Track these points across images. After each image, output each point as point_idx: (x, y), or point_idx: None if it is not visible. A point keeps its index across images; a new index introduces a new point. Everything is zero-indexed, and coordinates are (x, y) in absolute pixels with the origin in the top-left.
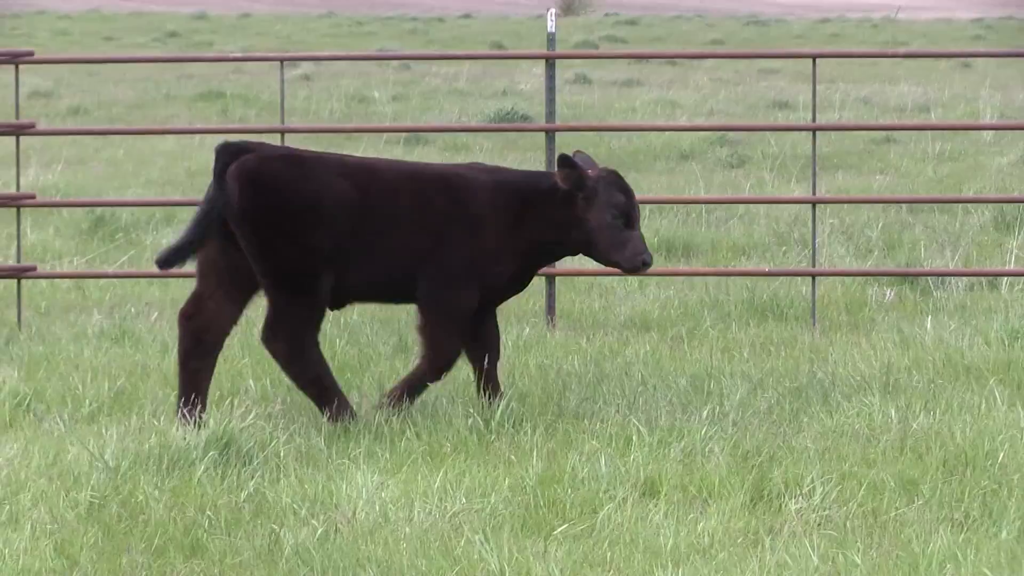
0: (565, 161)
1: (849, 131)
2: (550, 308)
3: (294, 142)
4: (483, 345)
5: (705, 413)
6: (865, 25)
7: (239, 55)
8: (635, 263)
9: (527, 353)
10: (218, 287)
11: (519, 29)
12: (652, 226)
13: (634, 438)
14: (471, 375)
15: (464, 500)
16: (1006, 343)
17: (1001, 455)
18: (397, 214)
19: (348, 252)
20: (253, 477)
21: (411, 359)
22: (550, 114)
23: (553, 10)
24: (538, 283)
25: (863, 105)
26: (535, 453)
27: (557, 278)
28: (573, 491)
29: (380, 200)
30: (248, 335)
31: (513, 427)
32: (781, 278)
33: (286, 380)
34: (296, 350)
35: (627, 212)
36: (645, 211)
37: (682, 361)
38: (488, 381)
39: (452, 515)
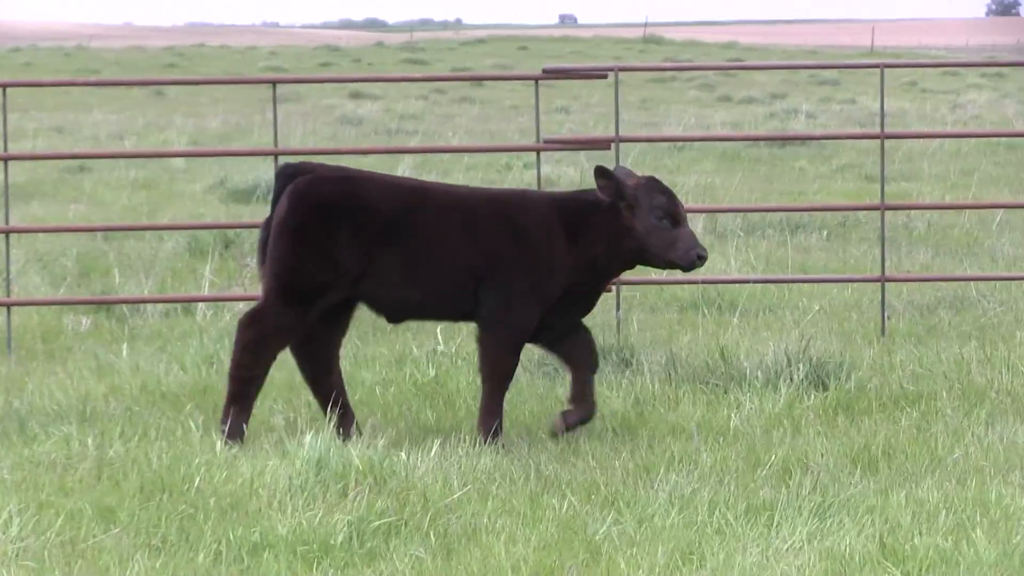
0: (601, 172)
1: (42, 160)
2: None
3: None
4: (578, 359)
5: None
6: (58, 53)
7: None
8: (690, 258)
9: None
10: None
11: None
12: None
13: None
14: None
15: None
16: (201, 368)
17: (198, 480)
18: (447, 235)
19: (393, 270)
20: None
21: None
22: None
23: None
24: None
25: (56, 134)
26: None
27: None
28: None
29: (428, 221)
30: None
31: None
32: None
33: None
34: (254, 345)
35: (671, 211)
36: None
37: None
38: (581, 394)
39: None
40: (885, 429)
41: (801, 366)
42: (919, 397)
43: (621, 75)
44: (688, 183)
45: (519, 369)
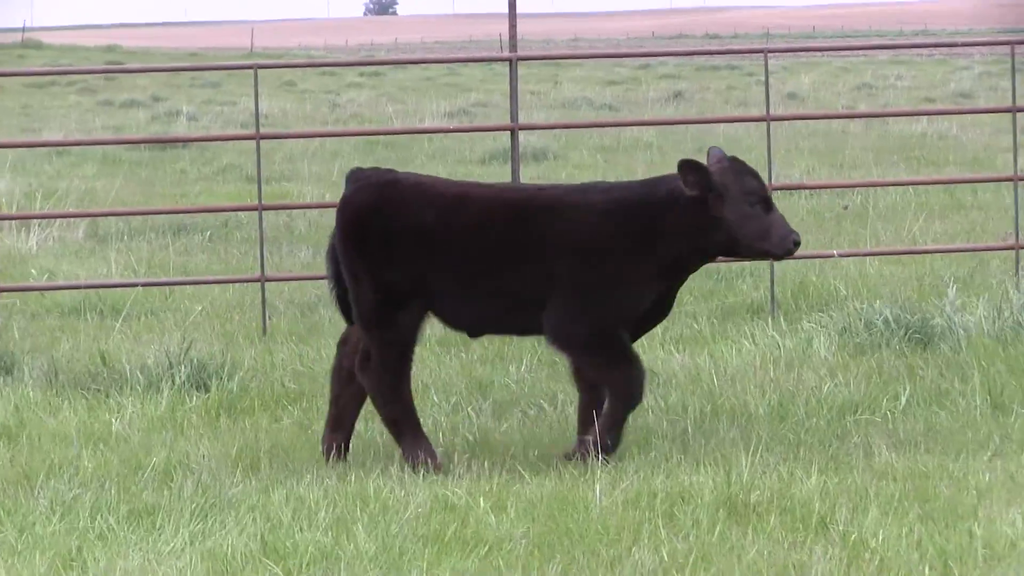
0: (688, 165)
1: None
2: None
3: None
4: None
5: None
6: None
7: None
8: (786, 246)
9: None
10: None
11: None
12: None
13: None
14: None
15: None
16: None
17: None
18: (491, 244)
19: (446, 282)
20: None
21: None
22: None
23: None
24: None
25: None
26: None
27: None
28: None
29: (469, 229)
30: None
31: None
32: None
33: None
34: (384, 385)
35: (764, 196)
36: None
37: None
38: (585, 417)
39: None
40: (267, 428)
41: (183, 368)
42: (301, 395)
43: None
44: (69, 188)
45: None
